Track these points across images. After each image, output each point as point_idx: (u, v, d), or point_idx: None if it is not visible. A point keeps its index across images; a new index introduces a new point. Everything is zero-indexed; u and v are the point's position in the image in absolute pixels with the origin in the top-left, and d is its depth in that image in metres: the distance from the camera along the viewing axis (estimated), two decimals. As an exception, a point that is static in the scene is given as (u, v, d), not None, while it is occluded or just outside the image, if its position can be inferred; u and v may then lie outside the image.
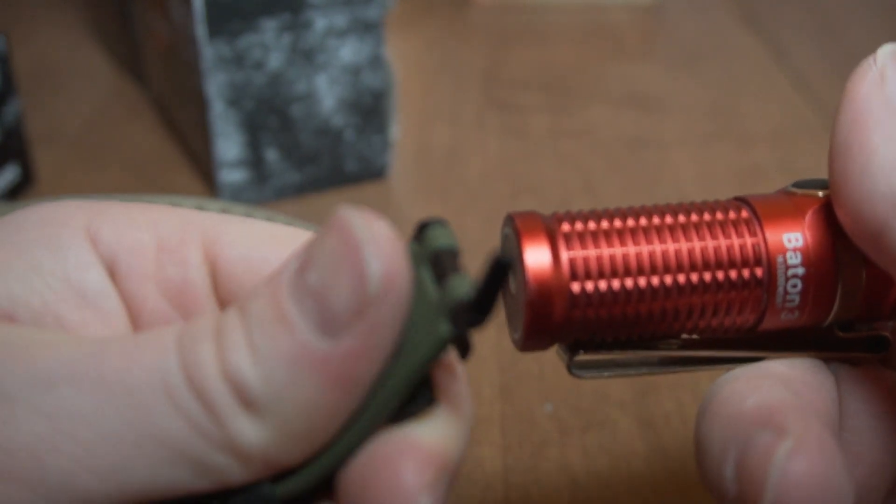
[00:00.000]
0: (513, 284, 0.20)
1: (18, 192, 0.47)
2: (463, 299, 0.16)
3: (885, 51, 0.18)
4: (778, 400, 0.19)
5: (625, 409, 0.35)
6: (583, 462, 0.33)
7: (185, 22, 0.45)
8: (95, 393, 0.16)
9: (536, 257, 0.19)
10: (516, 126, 0.56)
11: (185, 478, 0.16)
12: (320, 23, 0.45)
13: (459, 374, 0.18)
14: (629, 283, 0.19)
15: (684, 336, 0.20)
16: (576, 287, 0.19)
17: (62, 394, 0.16)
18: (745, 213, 0.20)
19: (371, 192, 0.48)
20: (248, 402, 0.16)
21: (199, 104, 0.46)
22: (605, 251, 0.19)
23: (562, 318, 0.19)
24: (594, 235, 0.19)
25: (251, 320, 0.16)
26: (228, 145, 0.46)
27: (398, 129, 0.53)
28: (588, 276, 0.19)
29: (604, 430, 0.34)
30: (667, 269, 0.19)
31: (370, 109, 0.48)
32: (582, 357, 0.20)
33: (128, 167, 0.51)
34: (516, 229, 0.19)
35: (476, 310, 0.16)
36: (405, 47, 0.66)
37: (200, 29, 0.43)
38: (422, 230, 0.18)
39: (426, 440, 0.17)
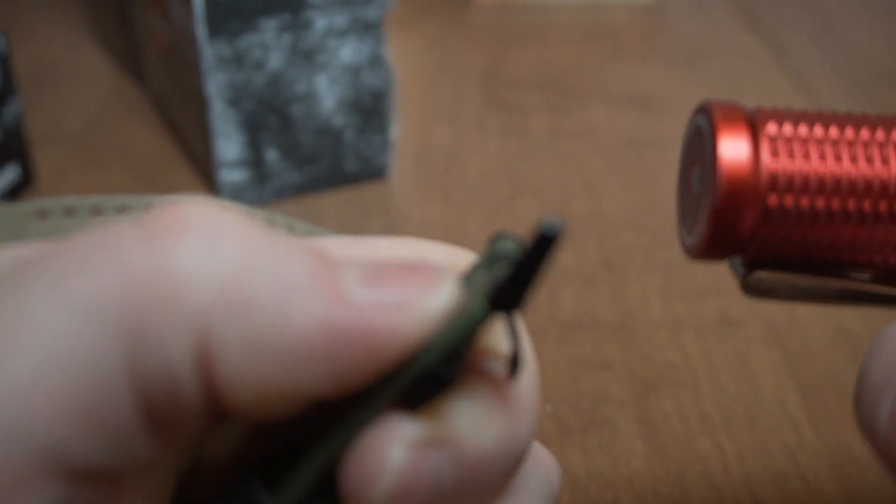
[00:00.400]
0: (696, 180, 0.18)
1: (18, 192, 0.47)
2: (499, 277, 0.14)
3: None
4: None
5: (625, 409, 0.35)
6: (583, 462, 0.32)
7: (185, 22, 0.45)
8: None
9: (733, 155, 0.17)
10: (516, 126, 0.56)
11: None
12: (320, 23, 0.45)
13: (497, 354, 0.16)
14: (835, 203, 0.17)
15: (881, 268, 0.18)
16: (773, 199, 0.17)
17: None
18: None
19: (371, 192, 0.48)
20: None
21: (199, 104, 0.46)
22: (815, 164, 0.17)
23: (749, 231, 0.17)
24: (804, 143, 0.17)
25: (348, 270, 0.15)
26: (228, 145, 0.46)
27: (398, 129, 0.53)
28: (790, 189, 0.17)
29: (604, 430, 0.34)
30: (882, 194, 0.17)
31: (370, 109, 0.48)
32: (758, 276, 0.18)
33: (128, 167, 0.51)
34: (712, 119, 0.17)
35: (514, 285, 0.14)
36: (405, 47, 0.66)
37: (200, 29, 0.43)
38: (491, 243, 0.16)
39: (427, 424, 0.15)
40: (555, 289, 0.41)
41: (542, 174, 0.51)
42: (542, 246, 0.14)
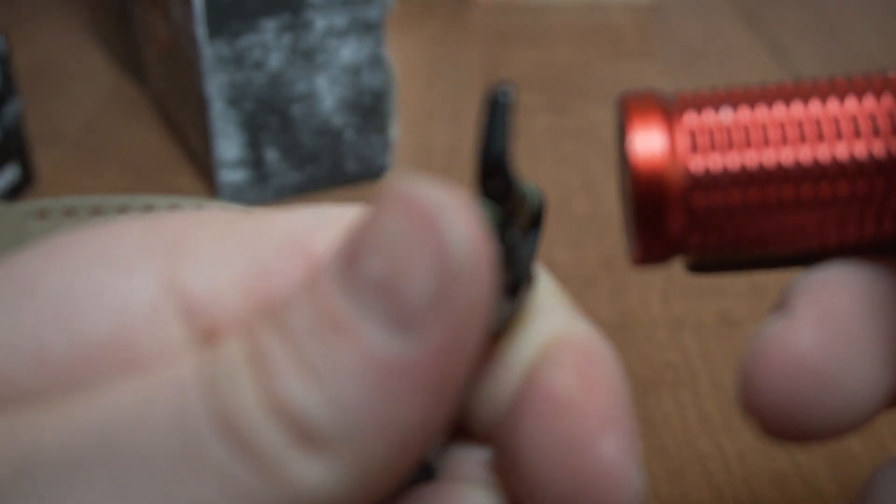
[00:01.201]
0: (625, 182, 0.16)
1: (18, 192, 0.47)
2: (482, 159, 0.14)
3: None
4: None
5: (625, 409, 0.35)
6: (583, 462, 0.32)
7: (185, 22, 0.45)
8: (105, 478, 0.12)
9: (647, 152, 0.15)
10: (516, 126, 0.56)
11: None
12: (320, 23, 0.45)
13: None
14: (770, 193, 0.15)
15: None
16: (698, 197, 0.15)
17: (60, 489, 0.12)
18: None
19: (371, 192, 0.48)
20: (309, 438, 0.12)
21: (199, 104, 0.46)
22: (740, 153, 0.15)
23: (679, 233, 0.15)
24: (726, 131, 0.15)
25: (296, 333, 0.12)
26: (228, 145, 0.46)
27: (398, 129, 0.53)
28: (716, 184, 0.15)
29: (604, 430, 0.34)
30: (822, 175, 0.15)
31: (370, 109, 0.48)
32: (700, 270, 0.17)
33: (128, 167, 0.51)
34: (625, 113, 0.15)
35: (489, 155, 0.14)
36: (405, 47, 0.66)
37: (200, 29, 0.43)
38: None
39: (581, 343, 0.15)
40: (555, 289, 0.41)
41: (542, 174, 0.51)
42: (497, 109, 0.15)
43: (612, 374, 0.15)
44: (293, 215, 0.15)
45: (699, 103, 0.16)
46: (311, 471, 0.12)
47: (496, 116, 0.15)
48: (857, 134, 0.15)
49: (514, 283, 0.15)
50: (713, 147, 0.15)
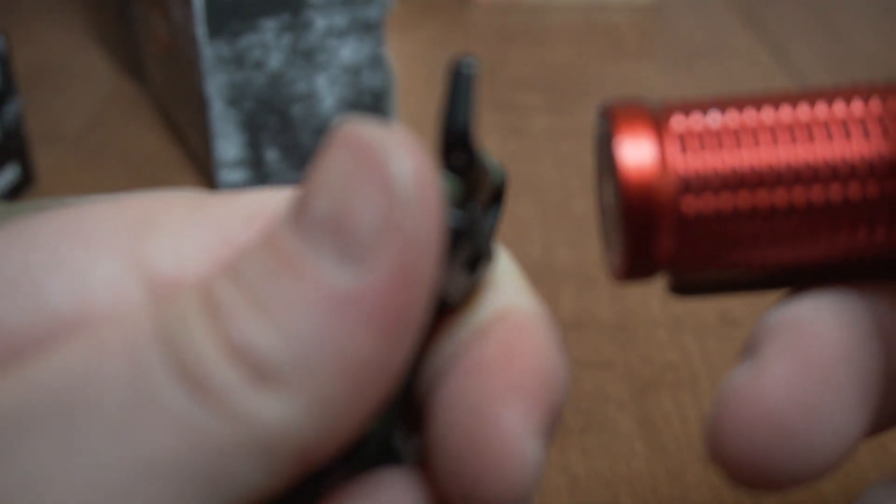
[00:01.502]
0: (608, 193, 0.16)
1: (18, 192, 0.47)
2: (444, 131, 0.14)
3: None
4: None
5: (625, 409, 0.35)
6: (583, 462, 0.32)
7: (185, 22, 0.45)
8: (60, 433, 0.12)
9: (636, 159, 0.15)
10: (516, 126, 0.56)
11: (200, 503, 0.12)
12: (320, 23, 0.45)
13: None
14: (761, 197, 0.14)
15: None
16: (689, 202, 0.15)
17: (15, 445, 0.12)
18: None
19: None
20: (265, 376, 0.12)
21: (199, 104, 0.46)
22: (731, 156, 0.14)
23: (670, 241, 0.15)
24: (716, 134, 0.15)
25: (249, 277, 0.12)
26: (228, 145, 0.46)
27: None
28: (706, 187, 0.14)
29: (604, 430, 0.34)
30: (814, 178, 0.14)
31: (370, 109, 0.48)
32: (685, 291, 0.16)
33: (128, 167, 0.51)
34: (611, 121, 0.15)
35: (452, 128, 0.14)
36: (405, 47, 0.66)
37: (200, 29, 0.43)
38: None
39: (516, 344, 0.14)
40: (555, 289, 0.41)
41: (542, 174, 0.51)
42: (460, 81, 0.15)
43: (537, 348, 0.15)
44: (255, 194, 0.16)
45: (686, 108, 0.15)
46: (268, 408, 0.12)
47: (459, 88, 0.15)
48: (847, 137, 0.15)
49: (474, 258, 0.15)
50: (703, 149, 0.15)
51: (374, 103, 0.48)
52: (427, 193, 0.12)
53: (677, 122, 0.15)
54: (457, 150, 0.15)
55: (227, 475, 0.12)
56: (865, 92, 0.15)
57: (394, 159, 0.12)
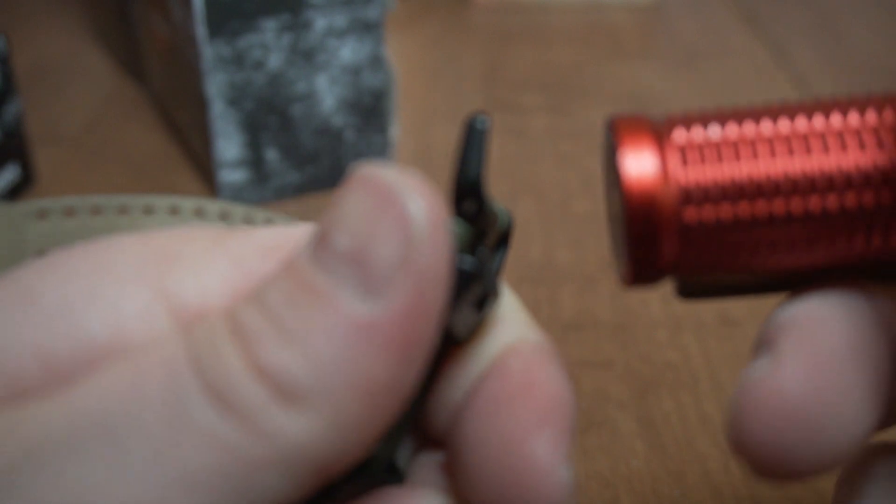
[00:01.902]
0: (615, 203, 0.16)
1: (18, 192, 0.47)
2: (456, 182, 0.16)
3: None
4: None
5: (625, 409, 0.35)
6: (583, 462, 0.33)
7: (185, 22, 0.45)
8: (105, 453, 0.13)
9: (639, 170, 0.15)
10: (516, 126, 0.56)
11: None
12: (320, 23, 0.45)
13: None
14: (760, 207, 0.15)
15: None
16: (690, 213, 0.15)
17: (66, 467, 0.13)
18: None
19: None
20: (290, 396, 0.13)
21: (199, 104, 0.46)
22: (731, 167, 0.15)
23: (673, 250, 0.15)
24: (716, 146, 0.15)
25: (273, 305, 0.14)
26: (228, 145, 0.46)
27: (398, 129, 0.53)
28: (707, 198, 0.15)
29: (604, 430, 0.34)
30: (811, 188, 0.15)
31: (370, 109, 0.48)
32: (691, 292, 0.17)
33: (128, 167, 0.51)
34: (615, 135, 0.15)
35: (465, 179, 0.16)
36: (405, 47, 0.66)
37: (200, 29, 0.43)
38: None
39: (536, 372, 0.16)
40: (555, 289, 0.41)
41: (542, 174, 0.51)
42: (474, 135, 0.16)
43: (553, 379, 0.17)
44: (271, 230, 0.17)
45: (688, 121, 0.16)
46: (293, 425, 0.13)
47: (473, 142, 0.16)
48: (843, 148, 0.15)
49: (482, 296, 0.17)
50: (703, 162, 0.15)
51: (374, 103, 0.48)
52: (439, 232, 0.14)
53: (679, 135, 0.15)
54: (468, 199, 0.16)
55: (254, 486, 0.13)
56: (861, 104, 0.15)
57: (411, 201, 0.14)
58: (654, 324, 0.39)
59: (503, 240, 0.18)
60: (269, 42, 0.45)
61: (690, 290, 0.17)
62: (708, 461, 0.33)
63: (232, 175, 0.46)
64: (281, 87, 0.46)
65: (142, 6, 0.54)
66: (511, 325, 0.17)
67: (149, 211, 0.39)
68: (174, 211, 0.39)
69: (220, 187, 0.46)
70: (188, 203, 0.39)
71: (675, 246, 0.15)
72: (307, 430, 0.13)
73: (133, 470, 0.13)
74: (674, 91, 0.61)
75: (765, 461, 0.15)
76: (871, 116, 0.15)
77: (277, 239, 0.17)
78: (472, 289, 0.16)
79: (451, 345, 0.17)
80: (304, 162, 0.47)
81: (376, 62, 0.47)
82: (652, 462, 0.33)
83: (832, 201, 0.15)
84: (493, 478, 0.16)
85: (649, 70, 0.64)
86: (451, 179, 0.16)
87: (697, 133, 0.15)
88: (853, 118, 0.15)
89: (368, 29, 0.46)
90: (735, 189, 0.15)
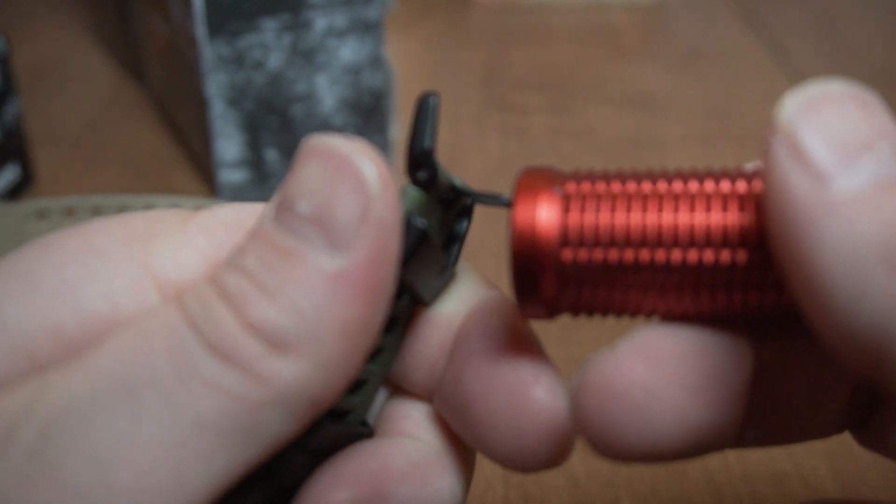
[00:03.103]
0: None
1: (18, 192, 0.47)
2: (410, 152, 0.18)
3: (790, 112, 0.15)
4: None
5: (625, 408, 0.35)
6: (583, 462, 0.32)
7: (185, 22, 0.45)
8: (126, 407, 0.15)
9: (526, 214, 0.17)
10: (516, 126, 0.56)
11: (241, 453, 0.16)
12: (320, 23, 0.45)
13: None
14: (627, 254, 0.17)
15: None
16: (567, 253, 0.17)
17: (93, 422, 0.15)
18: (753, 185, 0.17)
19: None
20: (280, 344, 0.15)
21: (199, 104, 0.46)
22: (604, 217, 0.17)
23: (553, 289, 0.17)
24: (596, 199, 0.17)
25: (253, 270, 0.16)
26: (228, 145, 0.46)
27: (398, 129, 0.53)
28: (582, 242, 0.17)
29: (604, 429, 0.34)
30: (674, 242, 0.17)
31: (370, 109, 0.48)
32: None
33: (128, 167, 0.51)
34: (516, 184, 0.18)
35: (417, 149, 0.18)
36: (405, 47, 0.66)
37: (200, 29, 0.43)
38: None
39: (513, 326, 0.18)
40: (555, 289, 0.41)
41: (542, 174, 0.51)
42: (426, 110, 0.18)
43: (529, 331, 0.19)
44: (232, 205, 0.19)
45: (581, 177, 0.18)
46: (286, 369, 0.15)
47: (424, 117, 0.18)
48: (707, 210, 0.17)
49: (445, 262, 0.19)
50: (583, 210, 0.17)
51: (373, 103, 0.48)
52: (389, 189, 0.16)
53: (568, 188, 0.18)
54: (421, 167, 0.18)
55: (257, 425, 0.15)
56: (733, 175, 0.17)
57: (364, 165, 0.16)
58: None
59: (466, 211, 0.20)
60: (269, 42, 0.45)
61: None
62: (708, 461, 0.33)
63: (232, 175, 0.46)
64: (281, 87, 0.46)
65: (142, 6, 0.54)
66: (471, 284, 0.20)
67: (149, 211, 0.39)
68: (174, 211, 0.39)
69: (220, 187, 0.46)
70: (188, 203, 0.39)
71: (553, 283, 0.17)
72: (299, 372, 0.16)
73: (152, 419, 0.15)
74: (674, 90, 0.61)
75: (597, 440, 0.17)
76: (740, 184, 0.17)
77: (239, 214, 0.19)
78: (427, 245, 0.18)
79: (418, 306, 0.19)
80: (304, 162, 0.47)
81: (376, 62, 0.47)
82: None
83: (692, 255, 0.17)
84: (505, 425, 0.18)
85: (649, 70, 0.64)
86: (406, 150, 0.18)
87: (584, 186, 0.17)
88: (723, 185, 0.17)
89: (368, 29, 0.46)
90: (607, 236, 0.17)
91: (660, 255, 0.17)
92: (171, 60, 0.50)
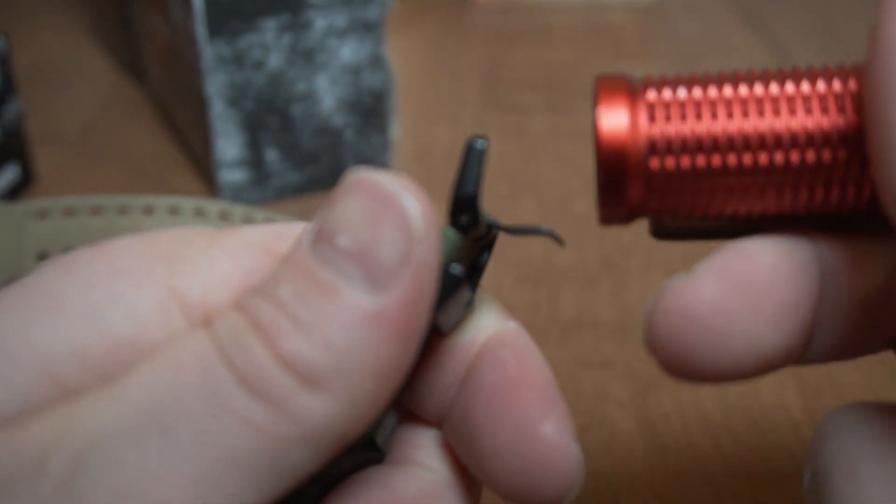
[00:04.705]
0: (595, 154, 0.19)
1: (18, 192, 0.47)
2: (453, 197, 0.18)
3: None
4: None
5: (625, 409, 0.35)
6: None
7: (185, 22, 0.45)
8: (156, 441, 0.15)
9: (612, 123, 0.17)
10: (516, 126, 0.56)
11: (267, 488, 0.15)
12: (320, 23, 0.45)
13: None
14: (715, 160, 0.17)
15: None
16: (654, 163, 0.17)
17: (123, 455, 0.15)
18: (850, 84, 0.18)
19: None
20: (312, 381, 0.15)
21: (199, 104, 0.46)
22: (691, 125, 0.17)
23: (639, 195, 0.17)
24: (681, 106, 0.17)
25: (287, 301, 0.15)
26: (228, 145, 0.46)
27: (398, 129, 0.53)
28: (669, 150, 0.17)
29: (604, 430, 0.34)
30: (761, 145, 0.17)
31: (370, 109, 0.48)
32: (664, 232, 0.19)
33: (128, 167, 0.51)
34: (595, 92, 0.18)
35: (462, 194, 0.18)
36: (405, 47, 0.66)
37: (200, 29, 0.43)
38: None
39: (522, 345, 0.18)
40: (555, 289, 0.41)
41: (542, 174, 0.51)
42: (473, 154, 0.18)
43: (542, 365, 0.19)
44: (261, 227, 0.19)
45: (661, 83, 0.18)
46: (316, 406, 0.15)
47: (471, 161, 0.18)
48: (792, 112, 0.17)
49: (470, 298, 0.19)
50: (668, 119, 0.17)
51: (374, 103, 0.48)
52: (432, 230, 0.16)
53: (650, 95, 0.18)
54: (464, 212, 0.18)
55: (286, 461, 0.15)
56: (822, 73, 0.18)
57: (408, 203, 0.16)
58: (654, 324, 0.39)
59: (488, 246, 0.20)
60: (269, 42, 0.45)
61: (661, 232, 0.19)
62: (708, 461, 0.33)
63: (232, 175, 0.46)
64: (281, 87, 0.46)
65: (142, 6, 0.54)
66: (488, 314, 0.20)
67: (149, 211, 0.39)
68: (174, 211, 0.39)
69: (220, 187, 0.46)
70: (188, 203, 0.39)
71: (640, 190, 0.17)
72: (329, 410, 0.15)
73: (183, 454, 0.15)
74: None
75: (669, 361, 0.17)
76: (821, 85, 0.18)
77: (267, 237, 0.18)
78: (460, 291, 0.18)
79: (435, 336, 0.19)
80: (303, 162, 0.47)
81: (376, 62, 0.47)
82: (652, 462, 0.33)
83: (779, 157, 0.17)
84: (510, 458, 0.18)
85: (649, 70, 0.64)
86: (450, 194, 0.18)
87: (666, 94, 0.18)
88: (805, 86, 0.18)
89: (368, 29, 0.46)
90: (695, 143, 0.17)
91: (747, 159, 0.17)
92: (171, 60, 0.50)
